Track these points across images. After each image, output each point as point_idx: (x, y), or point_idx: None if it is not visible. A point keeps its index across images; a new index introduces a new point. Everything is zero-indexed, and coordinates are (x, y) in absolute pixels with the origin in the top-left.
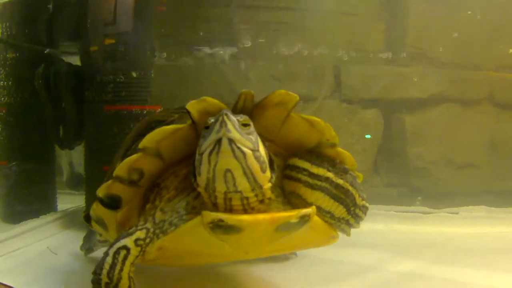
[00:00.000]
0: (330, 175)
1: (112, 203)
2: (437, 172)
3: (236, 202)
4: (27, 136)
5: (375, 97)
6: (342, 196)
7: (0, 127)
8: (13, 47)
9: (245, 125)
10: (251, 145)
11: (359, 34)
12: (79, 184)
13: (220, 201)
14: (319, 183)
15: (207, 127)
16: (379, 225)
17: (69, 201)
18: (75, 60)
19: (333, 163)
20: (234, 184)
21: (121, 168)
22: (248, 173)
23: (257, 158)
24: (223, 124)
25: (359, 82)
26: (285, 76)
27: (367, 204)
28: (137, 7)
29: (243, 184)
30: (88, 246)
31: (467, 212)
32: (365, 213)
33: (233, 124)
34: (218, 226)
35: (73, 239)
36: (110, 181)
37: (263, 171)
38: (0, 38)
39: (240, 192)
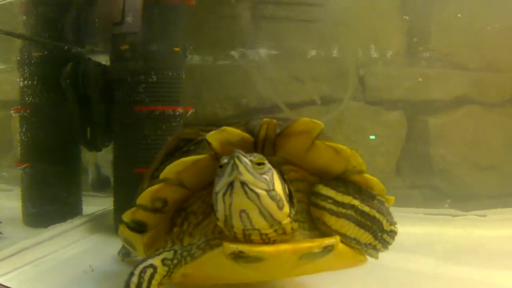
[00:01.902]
0: (355, 202)
1: (138, 227)
2: (461, 174)
3: (255, 237)
4: (53, 137)
5: (399, 98)
6: (368, 223)
7: (24, 128)
8: (39, 45)
9: (260, 163)
10: (265, 186)
11: (382, 35)
12: (105, 187)
13: (239, 236)
14: (343, 210)
15: (221, 166)
16: (409, 227)
17: (94, 203)
18: (103, 59)
19: (359, 189)
20: (251, 223)
21: (143, 198)
22: (264, 212)
23: (273, 197)
24: (234, 167)
25: (383, 84)
26: (308, 77)
27: (395, 229)
28: (169, 5)
29: (260, 222)
30: (125, 251)
31: (496, 214)
32: (393, 238)
33: (245, 166)
34: (240, 257)
35: (102, 244)
36: (134, 208)
37: (280, 208)
38: (26, 35)
39: (258, 230)
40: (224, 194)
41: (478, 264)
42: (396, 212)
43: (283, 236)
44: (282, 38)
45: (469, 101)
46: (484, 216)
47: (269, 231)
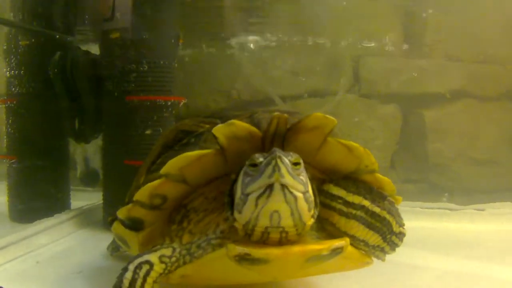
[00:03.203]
0: (366, 203)
1: (134, 224)
2: (457, 168)
3: (274, 235)
4: (40, 129)
5: (394, 91)
6: (378, 224)
7: (10, 120)
8: (27, 33)
9: (296, 163)
10: (302, 187)
11: (378, 27)
12: (94, 181)
13: (257, 234)
14: (354, 211)
15: (253, 165)
16: (405, 221)
17: (83, 198)
18: (93, 48)
19: (370, 189)
20: (279, 222)
21: (142, 194)
22: (295, 214)
23: (307, 199)
24: (276, 168)
25: (378, 77)
26: (303, 69)
27: (404, 231)
28: None
29: (288, 222)
30: (114, 245)
31: (494, 208)
32: (401, 240)
33: (286, 168)
34: (245, 259)
35: (91, 239)
36: (130, 205)
37: (310, 210)
38: (13, 22)
39: (282, 227)
40: (259, 197)
41: (476, 259)
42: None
43: (297, 236)
44: (277, 30)
45: (465, 94)
46: (482, 210)
47: (292, 229)
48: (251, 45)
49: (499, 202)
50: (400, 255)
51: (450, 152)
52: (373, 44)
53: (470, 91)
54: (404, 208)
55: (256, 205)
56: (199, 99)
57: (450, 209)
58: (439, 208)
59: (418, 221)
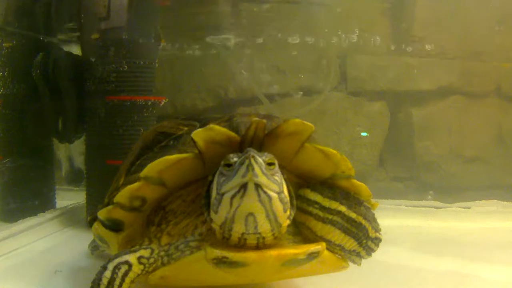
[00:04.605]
0: (342, 208)
1: (114, 225)
2: (445, 166)
3: (251, 241)
4: (24, 129)
5: (381, 89)
6: (354, 229)
7: None
8: (10, 35)
9: (270, 164)
10: (276, 187)
11: (365, 24)
12: (78, 180)
13: (234, 239)
14: (330, 216)
15: (228, 165)
16: (390, 220)
17: (68, 197)
18: (75, 49)
19: (346, 195)
20: (255, 227)
21: (122, 196)
22: (270, 216)
23: (282, 200)
24: (250, 167)
25: (365, 74)
26: (289, 67)
27: (380, 236)
28: None
29: (264, 226)
30: (95, 244)
31: (480, 206)
32: (377, 245)
33: (260, 168)
34: (222, 262)
35: (74, 238)
36: (111, 206)
37: (285, 211)
38: None
39: (259, 233)
40: (233, 196)
41: (462, 257)
42: (380, 205)
43: (274, 240)
44: (263, 28)
45: (454, 91)
46: (468, 208)
47: (269, 234)
48: (238, 44)
49: (485, 200)
50: (384, 254)
51: (439, 150)
52: (360, 42)
53: (458, 88)
54: (389, 206)
55: (231, 204)
56: (187, 98)
57: (436, 207)
58: (424, 206)
59: (403, 219)
